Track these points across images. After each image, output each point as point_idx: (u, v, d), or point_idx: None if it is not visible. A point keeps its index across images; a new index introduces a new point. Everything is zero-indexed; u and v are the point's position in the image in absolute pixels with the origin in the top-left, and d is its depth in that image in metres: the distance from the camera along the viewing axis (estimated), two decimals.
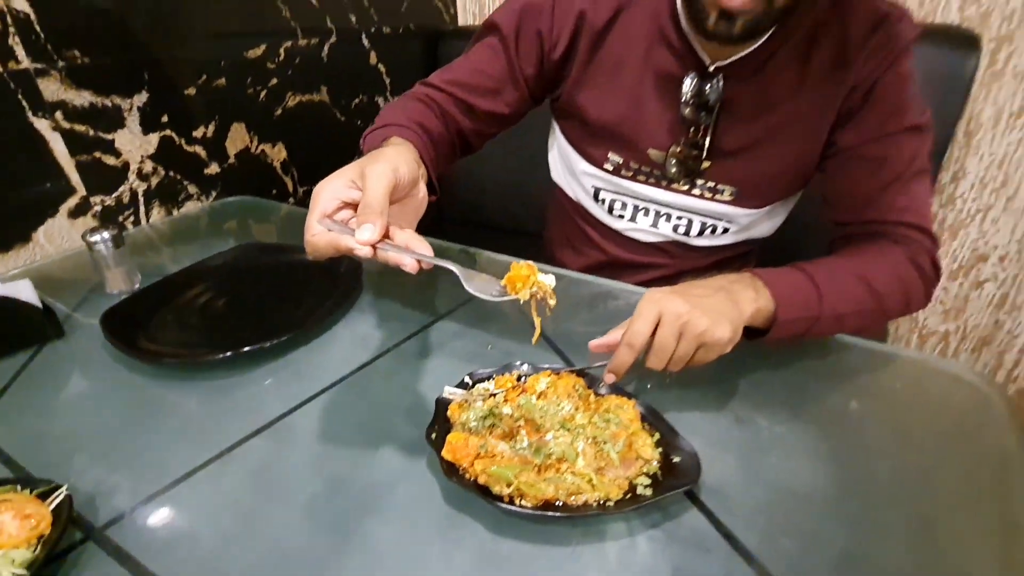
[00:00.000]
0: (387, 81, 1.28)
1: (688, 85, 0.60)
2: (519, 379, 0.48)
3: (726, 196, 0.66)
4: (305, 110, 1.11)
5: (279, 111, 1.06)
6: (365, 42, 1.20)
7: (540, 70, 0.67)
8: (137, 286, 0.70)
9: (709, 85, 0.59)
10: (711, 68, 0.59)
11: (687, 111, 0.61)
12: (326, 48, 1.12)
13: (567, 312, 0.64)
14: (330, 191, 0.44)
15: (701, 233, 0.71)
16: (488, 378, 0.49)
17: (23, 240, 0.78)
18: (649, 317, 0.46)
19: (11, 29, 0.72)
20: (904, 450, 0.45)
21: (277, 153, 1.10)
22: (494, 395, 0.46)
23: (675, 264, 0.75)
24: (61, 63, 0.77)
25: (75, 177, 0.81)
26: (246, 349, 0.54)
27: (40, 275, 0.77)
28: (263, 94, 1.03)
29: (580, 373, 0.49)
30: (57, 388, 0.54)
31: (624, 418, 0.43)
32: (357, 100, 1.22)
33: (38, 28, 0.74)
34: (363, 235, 0.40)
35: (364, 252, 0.40)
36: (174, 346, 0.58)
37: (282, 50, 1.04)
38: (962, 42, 0.90)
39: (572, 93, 0.68)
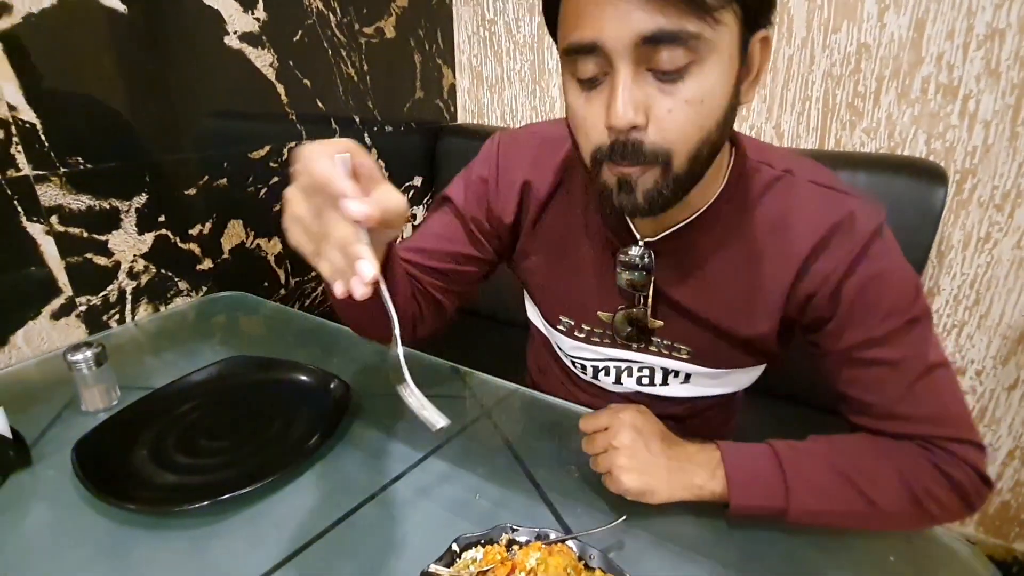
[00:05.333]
0: (385, 175, 1.31)
1: (621, 257, 0.59)
2: (509, 547, 0.46)
3: (683, 355, 0.64)
4: None
5: (278, 207, 1.08)
6: (367, 139, 1.24)
7: (497, 234, 0.68)
8: (115, 403, 0.68)
9: (639, 258, 0.58)
10: (641, 243, 0.58)
11: (623, 282, 0.60)
12: None
13: (561, 455, 0.62)
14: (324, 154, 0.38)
15: (665, 382, 0.68)
16: (477, 543, 0.47)
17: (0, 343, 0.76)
18: (600, 421, 0.55)
19: (15, 139, 0.73)
20: None
21: (272, 247, 1.11)
22: (483, 573, 0.44)
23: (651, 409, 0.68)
24: (63, 169, 0.78)
25: (63, 279, 0.80)
26: (224, 497, 0.51)
27: (13, 381, 0.74)
28: (263, 192, 1.05)
29: (570, 538, 0.48)
30: (18, 528, 0.51)
31: None
32: None
33: (43, 137, 0.75)
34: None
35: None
36: (149, 487, 0.55)
37: (285, 150, 1.07)
38: (931, 174, 0.96)
39: (519, 259, 0.69)
